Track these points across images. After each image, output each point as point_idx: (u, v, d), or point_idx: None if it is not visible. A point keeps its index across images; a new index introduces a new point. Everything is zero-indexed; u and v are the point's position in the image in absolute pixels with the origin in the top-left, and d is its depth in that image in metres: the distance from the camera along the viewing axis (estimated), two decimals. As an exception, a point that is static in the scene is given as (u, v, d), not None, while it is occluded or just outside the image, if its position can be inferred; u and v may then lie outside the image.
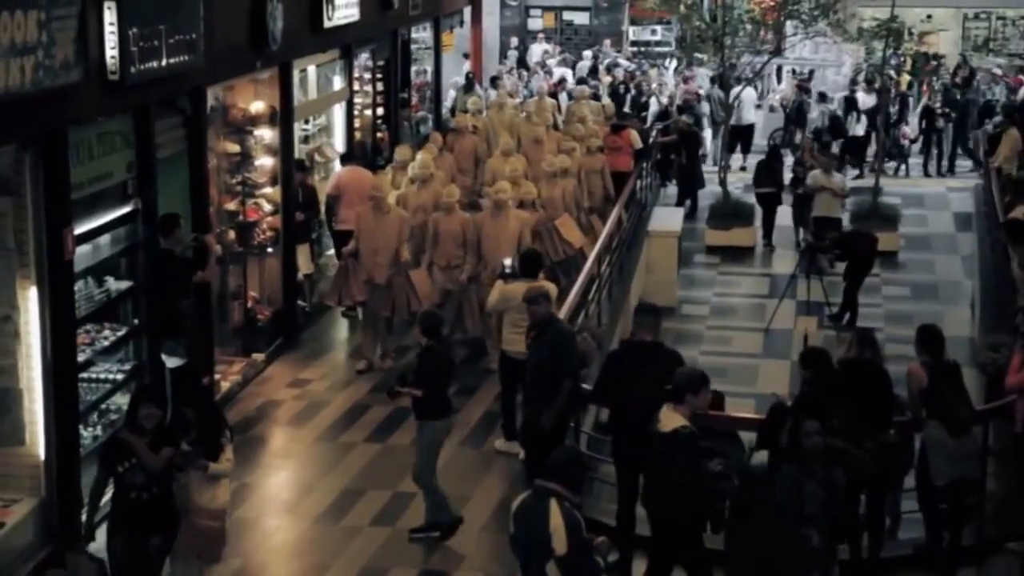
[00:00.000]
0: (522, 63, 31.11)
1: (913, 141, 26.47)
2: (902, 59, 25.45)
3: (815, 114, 25.79)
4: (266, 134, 14.90)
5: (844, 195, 19.58)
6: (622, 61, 30.63)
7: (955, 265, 20.63)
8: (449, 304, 14.57)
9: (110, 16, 10.25)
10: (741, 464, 9.98)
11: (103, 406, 11.48)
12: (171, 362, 11.78)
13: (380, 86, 19.56)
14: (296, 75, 15.59)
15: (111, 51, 10.30)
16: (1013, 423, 10.46)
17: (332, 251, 16.67)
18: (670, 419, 8.81)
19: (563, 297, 13.84)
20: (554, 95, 24.39)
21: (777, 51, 23.64)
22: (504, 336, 12.36)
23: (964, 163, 27.00)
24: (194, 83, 12.29)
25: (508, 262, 12.86)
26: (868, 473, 9.40)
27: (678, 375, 9.13)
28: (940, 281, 20.03)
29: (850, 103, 26.32)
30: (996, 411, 10.74)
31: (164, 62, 11.13)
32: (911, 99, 28.15)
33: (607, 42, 32.57)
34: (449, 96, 24.81)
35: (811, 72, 28.80)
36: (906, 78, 27.33)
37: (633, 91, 27.32)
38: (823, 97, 26.25)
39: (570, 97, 23.95)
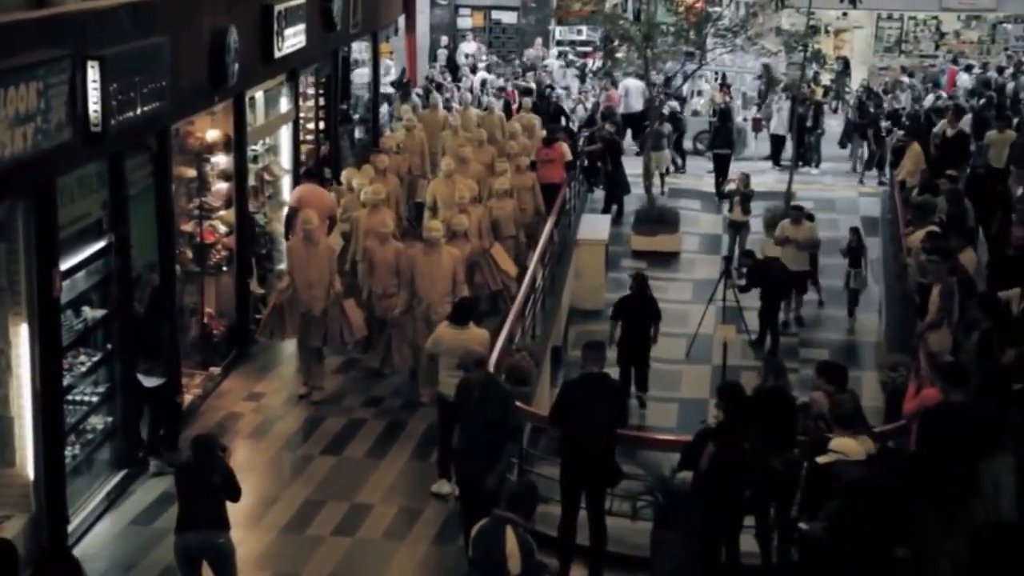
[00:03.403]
0: (452, 62, 32.07)
1: None
2: (821, 65, 26.75)
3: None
4: (221, 160, 15.82)
5: (810, 248, 19.40)
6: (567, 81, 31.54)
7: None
8: (381, 338, 15.10)
9: (93, 74, 11.12)
10: (665, 482, 11.20)
11: (81, 427, 12.42)
12: (149, 382, 12.80)
13: (322, 101, 20.47)
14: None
15: (94, 106, 11.18)
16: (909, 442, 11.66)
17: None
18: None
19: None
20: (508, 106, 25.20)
21: (700, 64, 24.79)
22: (440, 379, 12.66)
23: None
24: (161, 124, 13.23)
25: None
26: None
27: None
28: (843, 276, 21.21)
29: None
30: (893, 432, 11.98)
31: (139, 111, 12.05)
32: (826, 107, 29.46)
33: (538, 42, 33.61)
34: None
35: (723, 75, 30.09)
36: (820, 91, 28.60)
37: (560, 92, 28.48)
38: (667, 96, 27.74)
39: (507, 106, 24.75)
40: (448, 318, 12.93)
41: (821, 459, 9.28)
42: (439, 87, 26.80)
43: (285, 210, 17.46)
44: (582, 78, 31.33)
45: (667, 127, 26.02)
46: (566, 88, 29.59)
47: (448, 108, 24.66)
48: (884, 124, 27.48)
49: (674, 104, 27.62)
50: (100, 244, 12.37)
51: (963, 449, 10.16)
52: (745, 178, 22.07)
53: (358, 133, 23.24)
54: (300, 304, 14.78)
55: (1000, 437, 10.49)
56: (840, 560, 8.97)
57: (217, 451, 10.20)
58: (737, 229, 21.80)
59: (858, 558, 8.86)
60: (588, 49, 33.78)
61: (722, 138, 26.40)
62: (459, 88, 27.89)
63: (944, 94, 29.12)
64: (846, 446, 9.34)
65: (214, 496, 10.02)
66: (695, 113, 29.88)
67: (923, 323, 14.20)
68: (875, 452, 9.57)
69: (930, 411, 10.71)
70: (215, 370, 15.47)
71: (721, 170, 26.02)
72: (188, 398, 14.51)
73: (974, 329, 12.73)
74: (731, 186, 22.36)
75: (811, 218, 20.39)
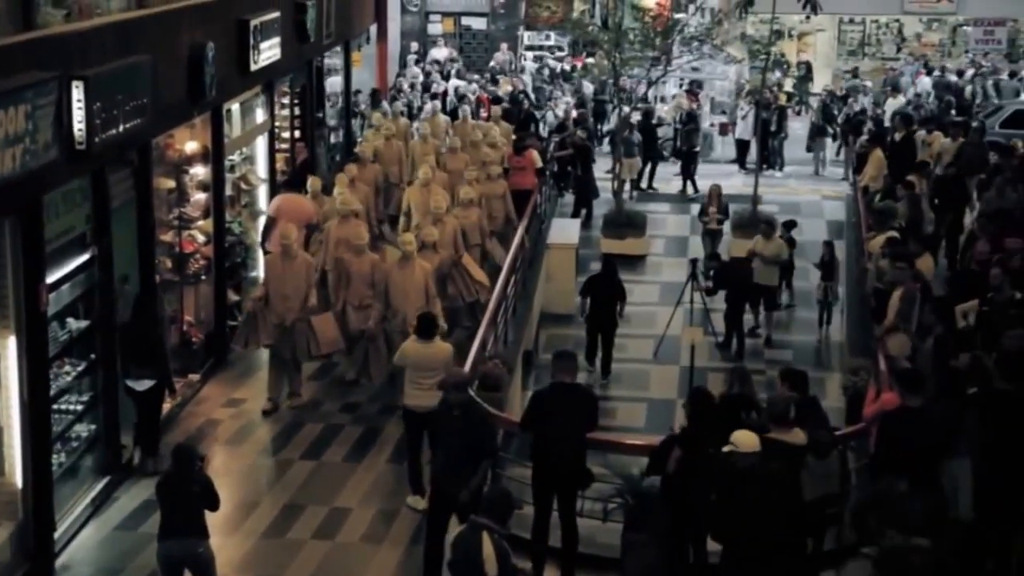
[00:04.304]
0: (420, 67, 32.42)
1: None
2: (785, 71, 27.26)
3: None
4: (199, 171, 16.16)
5: (778, 263, 19.53)
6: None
7: (829, 273, 22.33)
8: (357, 350, 15.29)
9: (78, 94, 11.44)
10: (635, 485, 11.62)
11: (66, 435, 12.73)
12: (141, 386, 13.24)
13: (297, 110, 20.82)
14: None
15: (78, 125, 11.50)
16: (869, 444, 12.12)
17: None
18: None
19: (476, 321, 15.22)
20: (454, 112, 25.48)
21: (665, 71, 25.24)
22: (405, 391, 12.80)
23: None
24: (143, 140, 13.56)
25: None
26: None
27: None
28: (815, 289, 21.72)
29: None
30: (854, 434, 12.43)
31: (121, 128, 12.37)
32: (790, 111, 29.97)
33: (504, 46, 33.99)
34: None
35: (692, 83, 30.57)
36: (783, 96, 29.11)
37: (533, 98, 28.90)
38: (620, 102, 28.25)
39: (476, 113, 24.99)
40: (414, 332, 13.11)
41: (724, 449, 10.08)
42: (441, 96, 27.00)
43: (262, 219, 17.75)
44: (550, 79, 31.70)
45: (636, 136, 26.49)
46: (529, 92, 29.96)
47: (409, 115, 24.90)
48: (868, 127, 27.82)
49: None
50: (84, 257, 12.69)
51: (921, 452, 10.66)
52: (719, 198, 22.21)
53: (332, 139, 23.61)
54: (274, 315, 14.98)
55: (956, 440, 11.01)
56: (732, 540, 9.90)
57: (196, 460, 10.53)
58: (713, 236, 22.20)
59: (746, 538, 9.71)
60: (563, 54, 34.29)
61: (688, 140, 27.21)
62: (429, 96, 28.20)
63: (903, 98, 29.62)
64: (740, 438, 10.07)
65: (194, 505, 10.37)
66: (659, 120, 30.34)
67: (881, 327, 14.65)
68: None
69: (888, 415, 11.20)
70: (194, 377, 15.80)
71: (688, 168, 27.03)
72: (168, 405, 14.82)
73: (929, 334, 13.20)
74: (710, 216, 22.34)
75: (791, 226, 20.81)
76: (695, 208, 26.20)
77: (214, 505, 10.51)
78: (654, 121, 27.79)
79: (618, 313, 18.48)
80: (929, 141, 23.39)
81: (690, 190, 27.14)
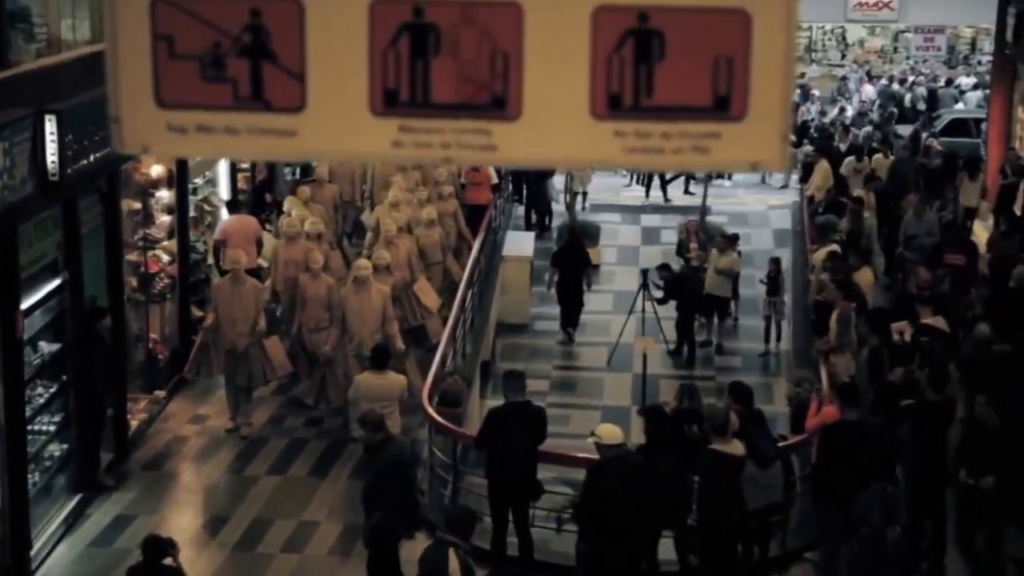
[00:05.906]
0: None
1: None
2: None
3: None
4: (164, 194, 16.57)
5: (732, 276, 19.80)
6: None
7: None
8: (314, 374, 15.55)
9: (50, 127, 11.87)
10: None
11: (40, 455, 13.13)
12: None
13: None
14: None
15: (51, 157, 11.91)
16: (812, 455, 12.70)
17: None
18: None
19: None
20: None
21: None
22: (356, 423, 12.64)
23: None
24: (112, 168, 13.98)
25: None
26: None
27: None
28: (762, 297, 22.28)
29: None
30: (796, 445, 13.02)
31: (91, 158, 12.80)
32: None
33: None
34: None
35: None
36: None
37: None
38: None
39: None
40: (369, 363, 13.44)
41: (589, 440, 11.08)
42: None
43: (212, 241, 18.02)
44: None
45: None
46: None
47: None
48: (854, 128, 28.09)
49: None
50: (56, 282, 13.09)
51: (858, 465, 11.28)
52: (698, 234, 22.42)
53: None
54: (225, 341, 15.13)
55: (894, 450, 11.66)
56: (591, 522, 10.89)
57: (168, 550, 9.97)
58: (695, 270, 22.57)
59: (606, 519, 10.67)
60: None
61: None
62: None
63: (849, 107, 30.24)
64: (603, 431, 11.03)
65: None
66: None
67: (821, 341, 15.23)
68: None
69: (828, 428, 11.78)
70: (160, 393, 16.17)
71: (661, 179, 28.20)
72: (135, 422, 15.23)
73: (863, 346, 13.82)
74: (691, 252, 22.67)
75: (737, 238, 21.36)
76: (645, 218, 26.93)
77: None
78: None
79: (586, 283, 20.62)
80: (859, 169, 23.34)
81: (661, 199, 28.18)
